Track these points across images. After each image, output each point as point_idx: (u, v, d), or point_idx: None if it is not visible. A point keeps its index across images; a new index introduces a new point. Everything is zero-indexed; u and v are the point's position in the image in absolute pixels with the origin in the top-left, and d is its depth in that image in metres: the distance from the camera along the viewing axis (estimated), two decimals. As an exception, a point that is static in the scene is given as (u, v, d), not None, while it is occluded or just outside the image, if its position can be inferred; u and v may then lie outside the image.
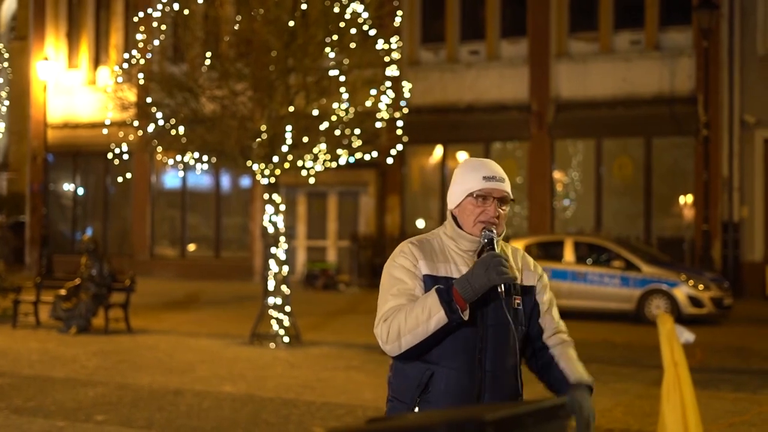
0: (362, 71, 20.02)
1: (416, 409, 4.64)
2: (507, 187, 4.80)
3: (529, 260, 4.98)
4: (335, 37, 19.18)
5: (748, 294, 28.46)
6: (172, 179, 37.38)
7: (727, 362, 17.43)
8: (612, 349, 19.07)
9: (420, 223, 32.92)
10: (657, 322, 8.46)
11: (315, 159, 19.60)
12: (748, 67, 29.32)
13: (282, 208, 19.81)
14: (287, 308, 19.24)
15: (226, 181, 36.81)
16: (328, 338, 19.93)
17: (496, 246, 4.64)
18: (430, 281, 4.64)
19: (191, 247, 37.59)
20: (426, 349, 4.57)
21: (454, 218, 4.81)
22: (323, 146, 19.44)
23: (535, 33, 31.83)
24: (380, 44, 19.75)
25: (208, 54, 19.64)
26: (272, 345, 18.95)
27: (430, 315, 4.43)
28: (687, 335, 8.45)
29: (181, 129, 19.69)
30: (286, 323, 19.15)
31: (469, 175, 4.79)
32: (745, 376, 16.12)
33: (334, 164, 19.95)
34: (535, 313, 4.94)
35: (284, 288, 19.31)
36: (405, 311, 4.51)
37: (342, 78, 19.26)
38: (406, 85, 21.21)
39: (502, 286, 4.54)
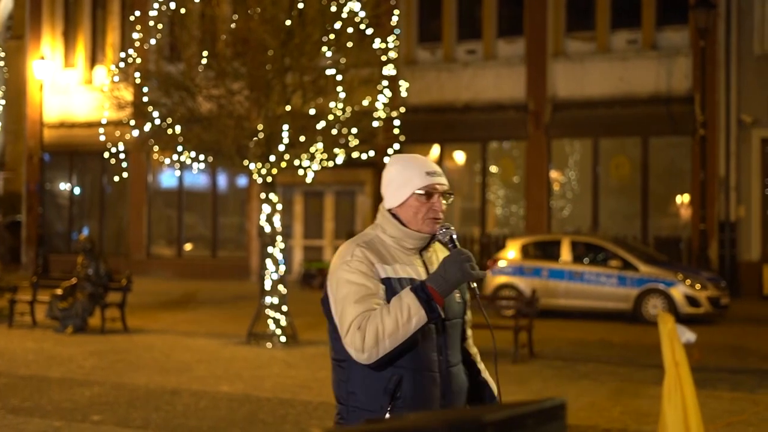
0: (359, 70, 20.03)
1: (387, 416, 4.51)
2: (446, 180, 4.79)
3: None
4: (332, 36, 19.18)
5: (745, 293, 28.48)
6: (168, 179, 37.36)
7: (725, 362, 17.43)
8: (609, 349, 19.08)
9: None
10: (658, 321, 8.44)
11: (312, 158, 19.59)
12: (745, 66, 29.32)
13: (279, 207, 19.80)
14: (284, 308, 19.22)
15: (222, 180, 36.80)
16: (324, 338, 19.74)
17: (457, 242, 4.66)
18: (390, 284, 4.56)
19: (188, 246, 37.57)
20: (397, 353, 4.45)
21: (395, 217, 4.73)
22: (320, 145, 19.43)
23: (532, 32, 31.82)
24: (377, 43, 19.76)
25: (205, 53, 19.62)
26: (269, 345, 18.94)
27: (410, 316, 4.34)
28: (688, 335, 8.44)
29: (178, 128, 19.67)
30: (283, 323, 19.13)
31: (411, 172, 4.72)
32: (742, 376, 16.12)
33: (330, 163, 19.93)
34: (467, 307, 4.95)
35: (281, 287, 19.30)
36: (380, 315, 4.38)
37: (339, 77, 19.26)
38: (403, 85, 21.21)
39: (473, 281, 4.56)
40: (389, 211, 4.76)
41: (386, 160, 22.67)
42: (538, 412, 2.57)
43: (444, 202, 4.74)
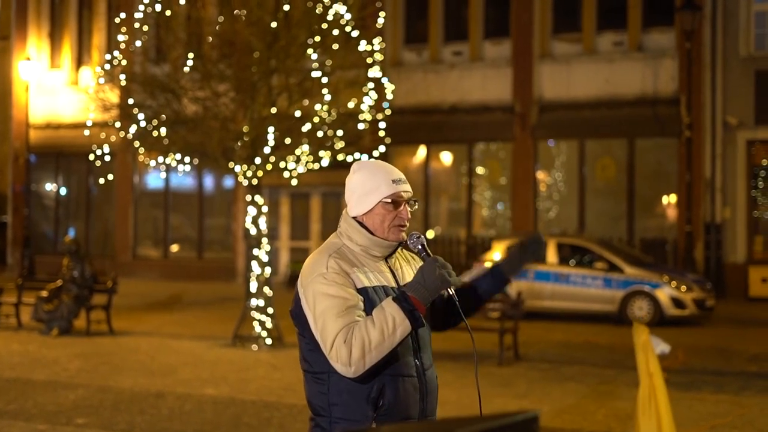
0: (345, 72, 20.03)
1: (373, 425, 4.50)
2: (410, 188, 4.79)
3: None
4: (318, 39, 19.18)
5: (731, 295, 28.53)
6: (154, 180, 37.30)
7: (709, 364, 17.46)
8: (594, 351, 19.10)
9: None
10: (633, 332, 8.45)
11: (297, 160, 19.59)
12: (731, 68, 29.39)
13: (265, 209, 19.79)
14: (270, 310, 19.21)
15: (208, 182, 36.75)
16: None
17: (428, 250, 4.68)
18: (366, 293, 4.54)
19: (174, 248, 37.51)
20: (383, 363, 4.43)
21: (361, 224, 4.72)
22: (306, 147, 19.43)
23: (519, 34, 31.84)
24: (363, 45, 19.75)
25: (191, 55, 19.60)
26: (254, 347, 18.92)
27: (395, 326, 4.32)
28: (662, 346, 8.45)
29: (163, 130, 19.66)
30: (269, 325, 19.12)
31: (377, 180, 4.71)
32: (727, 378, 16.14)
33: (316, 166, 19.93)
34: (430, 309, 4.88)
35: (267, 289, 19.29)
36: (365, 327, 4.35)
37: (324, 79, 19.27)
38: (389, 86, 21.20)
39: (451, 288, 4.55)
40: (355, 218, 4.75)
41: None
42: (510, 425, 2.57)
43: (409, 209, 4.74)
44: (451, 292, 4.61)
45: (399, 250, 4.81)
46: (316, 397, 4.66)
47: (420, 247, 4.68)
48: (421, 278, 4.43)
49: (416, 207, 4.81)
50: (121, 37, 20.51)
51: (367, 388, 4.50)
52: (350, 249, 4.69)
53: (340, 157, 19.86)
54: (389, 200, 4.66)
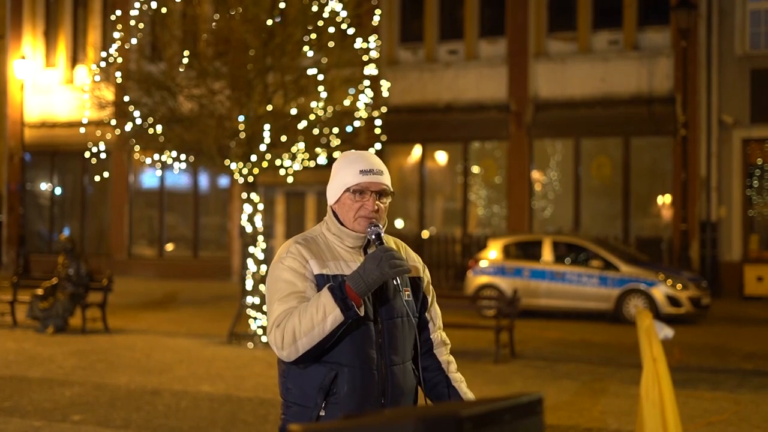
0: (340, 70, 20.02)
1: (322, 413, 4.52)
2: (386, 179, 4.71)
3: (412, 253, 4.93)
4: (313, 36, 19.17)
5: (726, 293, 28.57)
6: (150, 178, 37.27)
7: (705, 361, 17.47)
8: (590, 349, 19.10)
9: (399, 223, 32.89)
10: (636, 318, 8.45)
11: (293, 158, 19.58)
12: (726, 67, 29.41)
13: (260, 207, 19.77)
14: (265, 308, 19.17)
15: (204, 180, 36.73)
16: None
17: (383, 240, 4.63)
18: (322, 280, 4.54)
19: (169, 246, 37.49)
20: (325, 350, 4.45)
21: (335, 214, 4.73)
22: (301, 145, 19.42)
23: (514, 33, 31.85)
24: (359, 43, 19.74)
25: (186, 53, 19.59)
26: (250, 344, 18.91)
27: (326, 314, 4.32)
28: (666, 331, 8.45)
29: (159, 128, 19.64)
30: (264, 323, 19.11)
31: (346, 169, 4.69)
32: (722, 376, 16.16)
33: (312, 163, 19.92)
34: (424, 304, 4.89)
35: (262, 287, 19.27)
36: (298, 313, 4.38)
37: (320, 77, 19.25)
38: (385, 85, 21.20)
39: (397, 278, 4.52)
40: (331, 207, 4.76)
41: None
42: (515, 407, 2.56)
43: (383, 201, 4.69)
44: (396, 282, 4.57)
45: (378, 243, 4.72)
46: (279, 382, 4.73)
47: (374, 236, 4.62)
48: (361, 268, 4.41)
49: (389, 200, 4.75)
50: (116, 35, 20.48)
51: (320, 376, 4.51)
52: (326, 237, 4.71)
53: (336, 154, 19.83)
54: (353, 190, 4.64)
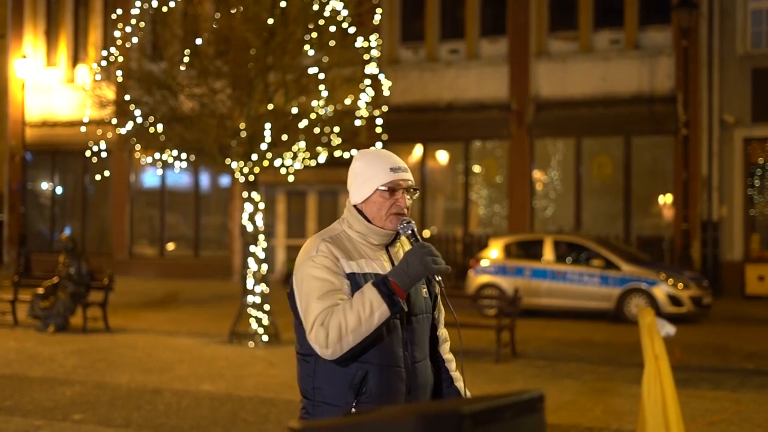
0: (341, 69, 20.01)
1: (353, 411, 4.50)
2: (411, 176, 4.80)
3: None
4: (314, 35, 19.15)
5: (727, 293, 28.56)
6: (150, 178, 37.27)
7: (707, 361, 17.46)
8: (591, 348, 19.09)
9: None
10: (638, 315, 8.44)
11: (294, 157, 19.57)
12: (728, 66, 29.39)
13: (261, 206, 19.76)
14: (266, 307, 19.19)
15: (205, 179, 36.72)
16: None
17: (419, 236, 4.64)
18: (354, 279, 4.54)
19: (170, 246, 37.49)
20: (362, 348, 4.43)
21: (360, 213, 4.74)
22: (302, 144, 19.41)
23: (515, 32, 31.84)
24: (359, 42, 19.72)
25: (187, 52, 19.56)
26: (251, 344, 18.90)
27: (373, 310, 4.31)
28: (668, 328, 8.43)
29: (160, 127, 19.61)
30: (265, 322, 19.10)
31: (375, 168, 4.73)
32: (724, 375, 16.14)
33: (313, 162, 19.91)
34: (436, 303, 4.92)
35: (263, 287, 19.27)
36: (343, 311, 4.35)
37: (321, 76, 19.24)
38: (386, 84, 21.17)
39: (437, 275, 4.55)
40: (355, 206, 4.77)
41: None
42: (516, 404, 2.55)
43: (408, 198, 4.73)
44: (437, 279, 4.64)
45: (402, 238, 4.80)
46: (303, 379, 4.68)
47: (410, 232, 4.65)
48: (404, 264, 4.43)
49: (417, 195, 4.80)
50: (117, 34, 20.45)
51: (350, 375, 4.50)
52: (348, 236, 4.71)
53: (337, 153, 19.86)
54: (386, 188, 4.67)
